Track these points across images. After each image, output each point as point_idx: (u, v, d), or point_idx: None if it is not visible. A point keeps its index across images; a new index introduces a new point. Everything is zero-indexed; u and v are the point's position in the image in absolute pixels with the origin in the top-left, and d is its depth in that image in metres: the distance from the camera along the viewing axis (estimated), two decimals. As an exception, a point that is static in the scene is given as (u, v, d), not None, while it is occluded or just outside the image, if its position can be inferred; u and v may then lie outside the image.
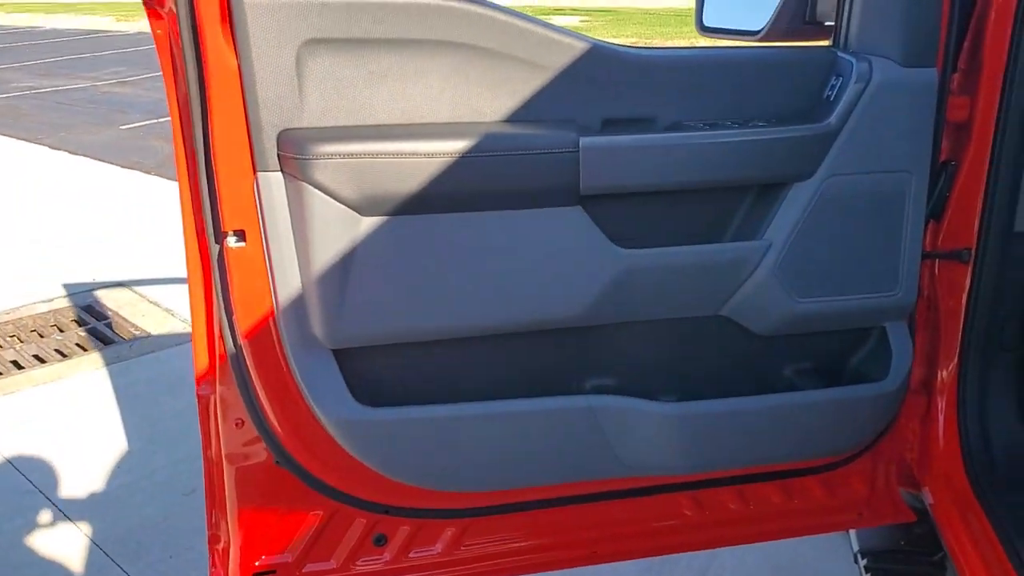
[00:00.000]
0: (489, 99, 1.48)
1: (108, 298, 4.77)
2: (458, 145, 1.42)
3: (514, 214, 1.48)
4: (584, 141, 1.46)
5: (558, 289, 1.53)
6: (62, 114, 10.65)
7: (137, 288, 4.88)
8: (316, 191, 1.40)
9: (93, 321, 4.48)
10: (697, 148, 1.51)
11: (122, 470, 3.19)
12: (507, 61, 1.46)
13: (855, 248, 1.61)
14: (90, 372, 3.95)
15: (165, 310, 4.59)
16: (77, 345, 4.23)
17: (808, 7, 1.77)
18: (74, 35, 20.05)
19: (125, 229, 5.97)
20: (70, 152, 8.56)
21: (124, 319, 4.49)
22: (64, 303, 4.72)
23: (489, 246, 1.48)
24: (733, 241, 1.60)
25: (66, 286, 4.95)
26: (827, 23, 1.73)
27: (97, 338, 4.31)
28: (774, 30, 1.80)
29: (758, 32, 1.82)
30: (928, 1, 1.53)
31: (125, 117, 10.30)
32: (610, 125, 1.54)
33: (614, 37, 13.89)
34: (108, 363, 4.03)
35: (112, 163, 8.00)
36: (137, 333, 4.33)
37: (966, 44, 1.64)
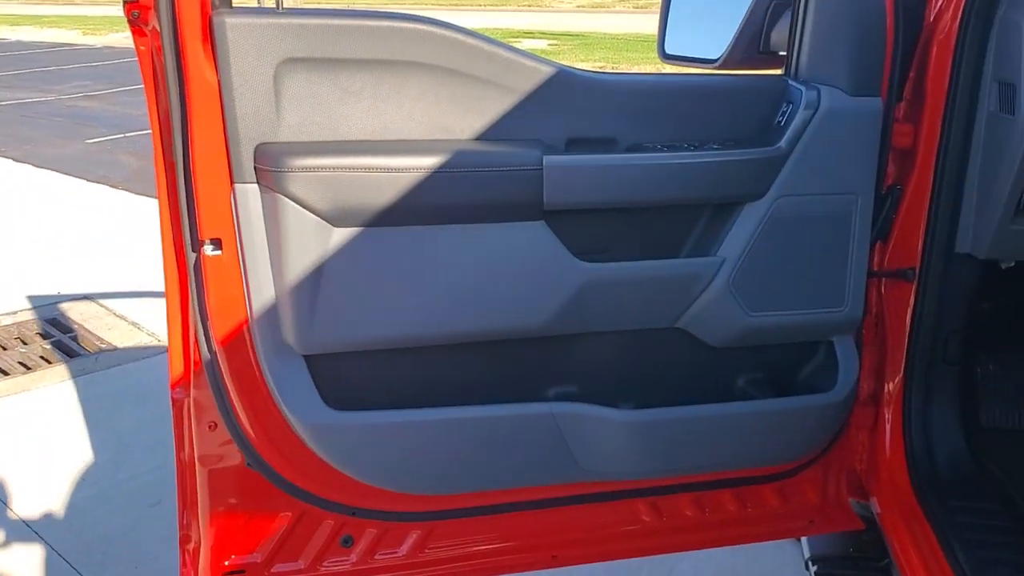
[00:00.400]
0: (459, 118, 1.55)
1: (74, 311, 4.76)
2: (428, 161, 1.49)
3: (480, 228, 1.55)
4: (548, 159, 1.54)
5: (522, 300, 1.60)
6: (27, 127, 10.57)
7: (103, 301, 4.87)
8: (290, 202, 1.46)
9: (58, 334, 4.47)
10: (655, 168, 1.59)
11: (87, 482, 3.19)
12: (476, 83, 1.54)
13: (804, 265, 1.70)
14: (55, 385, 3.94)
15: (131, 323, 4.59)
16: (41, 358, 4.21)
17: (762, 38, 1.88)
18: (39, 48, 19.89)
19: (91, 242, 5.96)
20: (35, 165, 8.50)
21: (90, 332, 4.49)
22: (29, 316, 4.70)
23: (456, 258, 1.55)
24: (689, 257, 1.68)
25: (31, 298, 4.92)
26: (780, 53, 1.84)
27: (62, 351, 4.30)
28: (730, 59, 1.91)
29: (716, 60, 1.92)
30: (874, 34, 1.63)
31: (91, 131, 10.25)
32: (574, 145, 1.62)
33: (582, 61, 14.07)
34: (73, 376, 4.02)
35: (78, 177, 7.97)
36: (103, 346, 4.32)
37: (911, 75, 1.75)
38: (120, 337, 4.42)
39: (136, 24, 1.49)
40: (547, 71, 1.57)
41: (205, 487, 1.66)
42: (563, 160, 1.55)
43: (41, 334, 4.49)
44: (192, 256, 1.54)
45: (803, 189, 1.66)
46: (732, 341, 1.73)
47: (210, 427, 1.64)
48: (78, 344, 4.35)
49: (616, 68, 13.46)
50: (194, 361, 1.62)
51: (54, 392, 3.87)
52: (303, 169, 1.45)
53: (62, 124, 10.79)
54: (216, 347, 1.57)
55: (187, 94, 1.44)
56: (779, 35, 1.84)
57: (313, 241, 1.49)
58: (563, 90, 1.58)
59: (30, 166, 8.47)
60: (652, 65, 13.72)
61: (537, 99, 1.57)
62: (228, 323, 1.56)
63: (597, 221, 1.64)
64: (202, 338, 1.58)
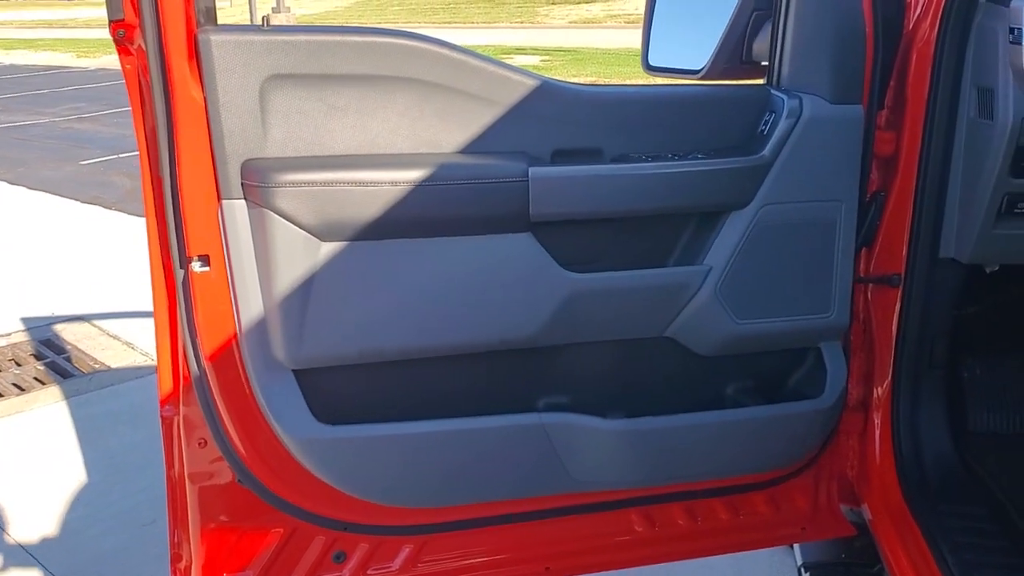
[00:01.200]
0: (444, 132, 1.57)
1: (67, 332, 4.75)
2: (415, 174, 1.50)
3: (468, 240, 1.56)
4: (533, 171, 1.55)
5: (510, 311, 1.61)
6: (20, 150, 10.59)
7: (97, 322, 4.87)
8: (278, 218, 1.47)
9: (52, 355, 4.47)
10: (641, 178, 1.61)
11: (80, 502, 3.18)
12: (462, 97, 1.55)
13: (790, 272, 1.71)
14: (48, 406, 3.94)
15: (125, 343, 4.59)
16: (35, 379, 4.21)
17: (744, 48, 1.89)
18: (33, 71, 19.96)
19: (85, 263, 5.96)
20: (29, 187, 8.52)
21: (83, 353, 4.48)
22: (22, 337, 4.70)
23: (444, 270, 1.56)
24: (676, 266, 1.69)
25: (24, 320, 4.92)
26: (762, 63, 1.85)
27: (56, 372, 4.29)
28: (713, 69, 1.92)
29: (699, 71, 1.94)
30: (854, 42, 1.65)
31: (85, 153, 10.27)
32: (560, 156, 1.63)
33: (574, 76, 14.12)
34: (67, 396, 4.01)
35: (72, 198, 7.98)
36: (97, 367, 4.32)
37: (891, 82, 1.77)
38: (114, 357, 4.42)
39: (122, 43, 1.51)
40: (532, 84, 1.58)
41: (196, 504, 1.66)
42: (549, 171, 1.57)
43: (35, 355, 4.49)
44: (180, 273, 1.55)
45: (787, 197, 1.67)
46: (720, 349, 1.74)
47: (200, 444, 1.64)
48: (72, 365, 4.35)
49: (608, 83, 13.52)
50: (183, 378, 1.62)
51: (48, 413, 3.87)
52: (290, 184, 1.46)
53: (56, 146, 10.81)
54: (205, 364, 1.57)
55: (173, 112, 1.45)
56: (761, 45, 1.86)
57: (301, 256, 1.50)
58: (548, 102, 1.60)
59: (23, 188, 8.49)
60: (643, 78, 13.79)
61: (522, 111, 1.59)
62: (217, 339, 1.56)
63: (584, 232, 1.66)
64: (191, 355, 1.58)
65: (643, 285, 1.67)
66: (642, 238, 1.69)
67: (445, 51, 1.54)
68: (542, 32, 23.12)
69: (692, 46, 1.98)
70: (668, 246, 1.71)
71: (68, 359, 4.41)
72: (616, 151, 1.66)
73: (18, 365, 4.38)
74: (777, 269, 1.70)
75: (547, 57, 17.31)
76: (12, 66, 21.33)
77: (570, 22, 25.75)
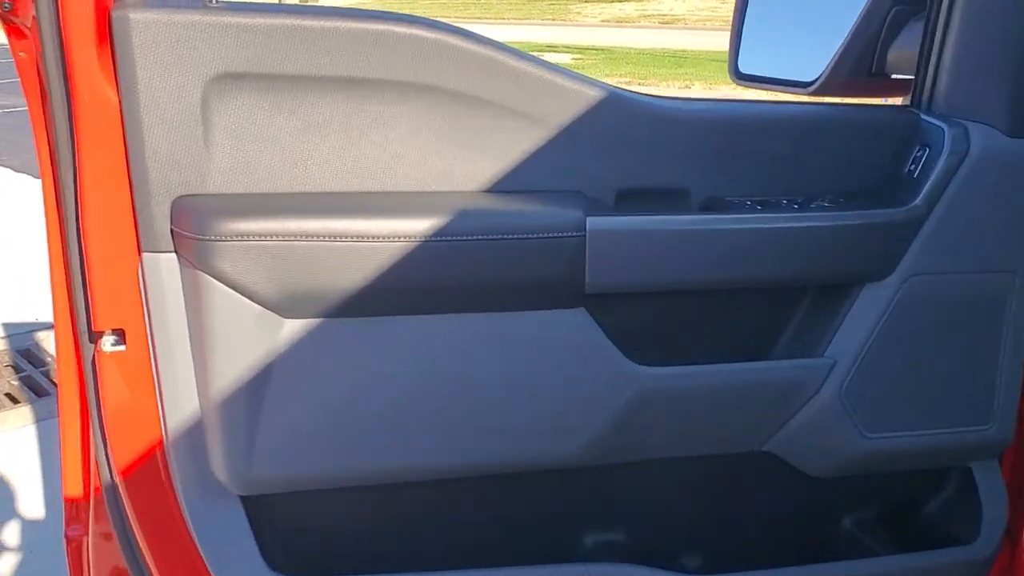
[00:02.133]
0: (465, 161, 1.10)
1: (49, 341, 4.33)
2: (421, 224, 1.04)
3: (493, 319, 1.09)
4: (592, 222, 1.08)
5: (552, 419, 1.14)
6: (28, 134, 10.23)
7: (83, 331, 4.45)
8: (220, 284, 1.00)
9: (30, 368, 4.05)
10: (741, 235, 1.14)
11: (42, 536, 2.76)
12: (491, 110, 1.09)
13: (941, 369, 1.24)
14: (16, 431, 3.52)
15: (110, 358, 4.16)
16: (7, 395, 3.79)
17: (876, 56, 1.41)
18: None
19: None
20: (35, 176, 8.15)
21: (63, 367, 4.06)
22: (1, 345, 4.28)
23: (457, 362, 1.09)
24: (784, 358, 1.22)
25: (5, 325, 4.51)
26: (901, 76, 1.38)
27: (30, 388, 3.87)
28: (831, 82, 1.44)
29: (810, 84, 1.46)
30: None
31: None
32: (629, 198, 1.17)
33: (607, 76, 13.66)
34: (38, 420, 3.59)
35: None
36: (76, 384, 3.89)
37: None
38: (95, 374, 4.00)
39: (9, 20, 1.05)
40: (591, 94, 1.12)
41: None
42: (614, 223, 1.10)
43: (12, 367, 4.07)
44: (89, 350, 1.09)
45: (944, 265, 1.20)
46: (840, 470, 1.27)
47: None
48: (49, 381, 3.92)
49: (643, 83, 13.02)
50: (94, 489, 1.17)
51: (14, 438, 3.44)
52: (240, 236, 1.00)
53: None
54: (118, 477, 1.11)
55: (75, 121, 1.00)
56: (901, 53, 1.38)
57: (253, 337, 1.03)
58: (613, 121, 1.13)
59: (28, 176, 8.12)
60: (680, 81, 13.29)
61: (576, 133, 1.12)
62: (134, 445, 1.10)
63: (658, 308, 1.19)
64: (103, 460, 1.13)
65: (738, 384, 1.19)
66: (739, 318, 1.22)
67: (471, 45, 1.07)
68: (574, 30, 22.69)
69: (801, 50, 1.51)
70: (774, 330, 1.24)
71: (47, 373, 3.99)
72: (706, 192, 1.19)
73: (-9, 378, 3.97)
74: (925, 364, 1.23)
75: (579, 56, 16.85)
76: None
77: (603, 20, 25.31)
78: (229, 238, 0.99)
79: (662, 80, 13.53)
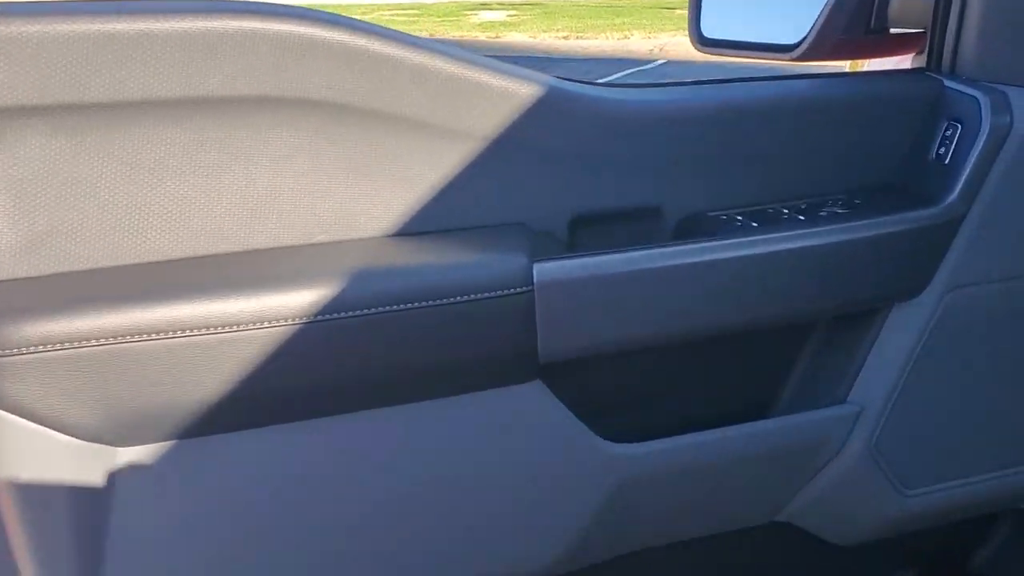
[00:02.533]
0: (363, 198, 0.82)
1: None
2: (304, 297, 0.75)
3: (421, 409, 0.81)
4: (541, 270, 0.80)
5: (508, 525, 0.87)
6: None
7: None
8: (14, 417, 0.70)
9: None
10: (733, 266, 0.87)
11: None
12: (398, 127, 0.80)
13: (990, 400, 0.99)
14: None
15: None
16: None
17: (874, 7, 1.13)
18: None
19: None
20: None
21: None
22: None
23: (375, 471, 0.81)
24: (797, 411, 0.96)
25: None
26: (904, 30, 1.11)
27: None
28: (819, 44, 1.15)
29: (794, 48, 1.16)
30: None
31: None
32: (584, 226, 0.89)
33: (544, 32, 13.24)
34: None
35: None
36: None
37: None
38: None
39: None
40: (526, 93, 0.83)
41: None
42: (568, 268, 0.82)
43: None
44: None
45: (990, 274, 0.95)
46: (872, 535, 1.02)
47: None
48: None
49: (581, 37, 12.64)
50: None
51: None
52: (38, 344, 0.70)
53: None
54: None
55: None
56: (909, 1, 1.10)
57: (75, 481, 0.74)
58: (558, 125, 0.85)
59: None
60: (620, 32, 12.95)
61: (512, 146, 0.84)
62: None
63: (634, 367, 0.92)
64: None
65: (743, 451, 0.93)
66: (737, 367, 0.96)
67: (360, 40, 0.78)
68: (507, -16, 22.12)
69: (781, 5, 1.23)
70: (783, 376, 0.98)
71: None
72: (684, 207, 0.92)
73: None
74: (971, 397, 0.98)
75: (515, 12, 16.37)
76: None
77: (536, -27, 24.73)
78: (21, 350, 0.69)
79: (600, 32, 13.17)
